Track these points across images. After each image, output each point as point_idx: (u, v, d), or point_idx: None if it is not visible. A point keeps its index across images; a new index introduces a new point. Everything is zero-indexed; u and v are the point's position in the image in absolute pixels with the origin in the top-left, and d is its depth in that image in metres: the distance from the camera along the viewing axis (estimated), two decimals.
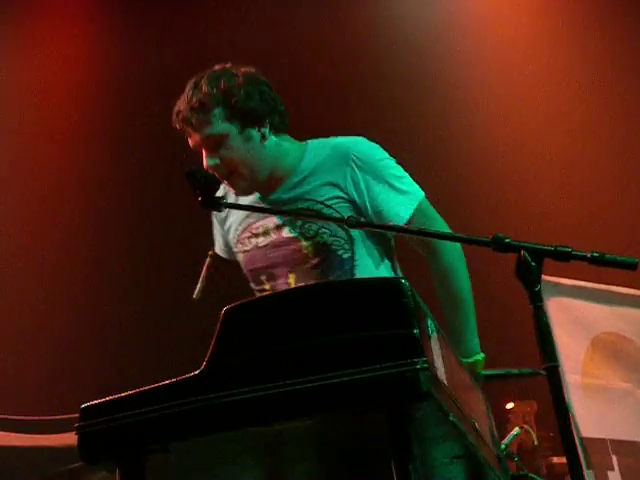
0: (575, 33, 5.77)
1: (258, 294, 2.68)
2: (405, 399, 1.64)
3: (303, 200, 2.62)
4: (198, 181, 2.21)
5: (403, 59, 5.78)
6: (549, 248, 2.00)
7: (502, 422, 4.48)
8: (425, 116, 5.71)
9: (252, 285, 2.79)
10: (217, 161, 2.56)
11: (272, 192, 2.68)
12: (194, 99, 2.56)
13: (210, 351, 1.80)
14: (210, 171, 2.54)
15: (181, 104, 2.61)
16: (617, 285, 4.25)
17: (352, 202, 2.58)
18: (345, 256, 2.55)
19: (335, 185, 2.59)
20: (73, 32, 5.90)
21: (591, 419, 4.20)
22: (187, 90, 2.61)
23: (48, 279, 5.59)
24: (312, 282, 2.54)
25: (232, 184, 2.63)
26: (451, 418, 1.73)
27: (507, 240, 2.00)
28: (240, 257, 2.74)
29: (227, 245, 2.82)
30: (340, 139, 2.68)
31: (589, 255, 2.03)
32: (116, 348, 5.44)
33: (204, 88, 2.56)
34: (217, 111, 2.56)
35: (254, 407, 1.73)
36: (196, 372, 1.80)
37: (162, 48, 5.76)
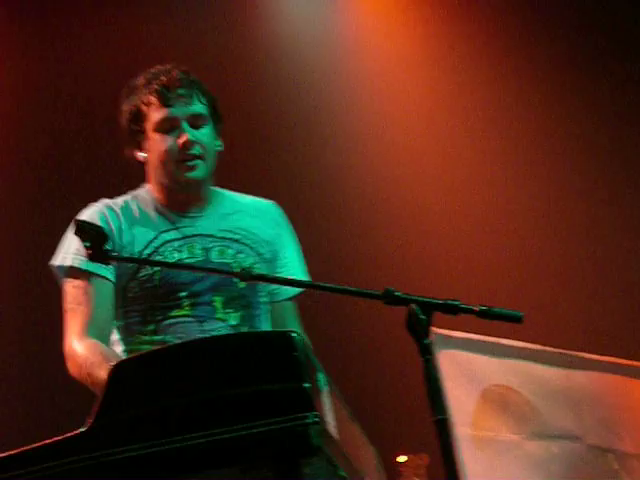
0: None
1: (165, 309, 2.50)
2: (295, 454, 1.64)
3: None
4: (88, 234, 2.17)
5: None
6: (438, 301, 2.03)
7: (394, 475, 4.48)
8: (312, 152, 5.67)
9: (152, 299, 2.54)
10: (199, 137, 2.53)
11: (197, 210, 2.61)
12: (191, 77, 2.57)
13: (98, 407, 1.76)
14: (188, 144, 2.51)
15: (173, 73, 2.56)
16: (516, 338, 4.33)
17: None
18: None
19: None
20: None
21: (480, 471, 4.24)
22: (171, 68, 2.58)
23: None
24: (237, 307, 2.50)
25: (196, 167, 2.54)
26: (341, 473, 1.73)
27: (397, 293, 2.02)
28: (149, 269, 2.51)
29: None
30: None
31: (477, 309, 2.07)
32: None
33: (193, 76, 2.58)
34: (205, 99, 2.57)
35: (142, 465, 1.70)
36: (83, 429, 1.76)
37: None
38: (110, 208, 2.54)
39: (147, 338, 2.47)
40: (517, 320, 2.08)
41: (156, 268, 2.44)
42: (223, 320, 2.46)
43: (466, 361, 4.53)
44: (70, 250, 2.49)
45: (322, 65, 5.82)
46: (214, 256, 2.51)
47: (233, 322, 2.48)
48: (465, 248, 5.74)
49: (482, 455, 4.30)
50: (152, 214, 2.56)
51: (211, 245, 2.52)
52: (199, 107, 2.55)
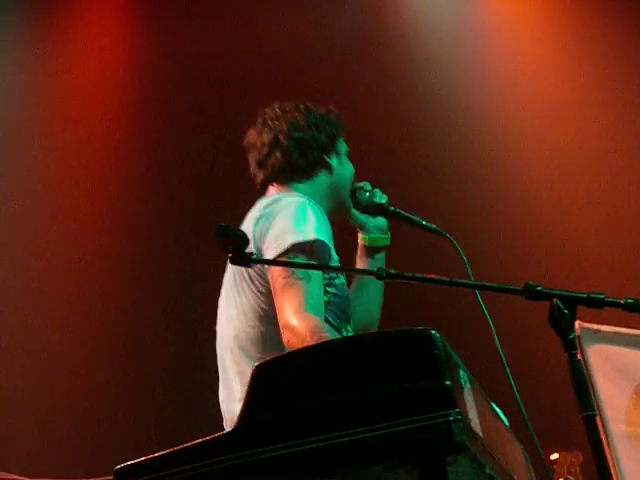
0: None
1: (344, 322, 2.57)
2: (439, 452, 1.63)
3: None
4: (229, 237, 2.21)
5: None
6: (582, 295, 1.98)
7: (546, 473, 4.39)
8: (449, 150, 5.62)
9: (340, 308, 2.59)
10: None
11: None
12: None
13: (243, 408, 1.80)
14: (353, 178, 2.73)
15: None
16: None
17: None
18: None
19: None
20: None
21: (636, 468, 4.11)
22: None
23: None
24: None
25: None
26: (487, 470, 1.71)
27: (539, 288, 1.98)
28: (342, 278, 2.61)
29: None
30: None
31: (623, 301, 2.01)
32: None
33: None
34: None
35: (286, 465, 1.72)
36: (230, 430, 1.80)
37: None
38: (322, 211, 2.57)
39: None
40: None
41: (343, 279, 2.56)
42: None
43: (617, 355, 4.40)
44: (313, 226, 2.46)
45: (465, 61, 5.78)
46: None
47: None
48: (606, 241, 5.59)
49: (638, 452, 4.17)
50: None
51: None
52: None
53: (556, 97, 5.76)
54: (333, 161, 2.68)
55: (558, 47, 5.79)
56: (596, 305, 1.99)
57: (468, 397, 1.74)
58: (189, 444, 1.83)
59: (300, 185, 2.64)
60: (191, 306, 5.23)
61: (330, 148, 2.68)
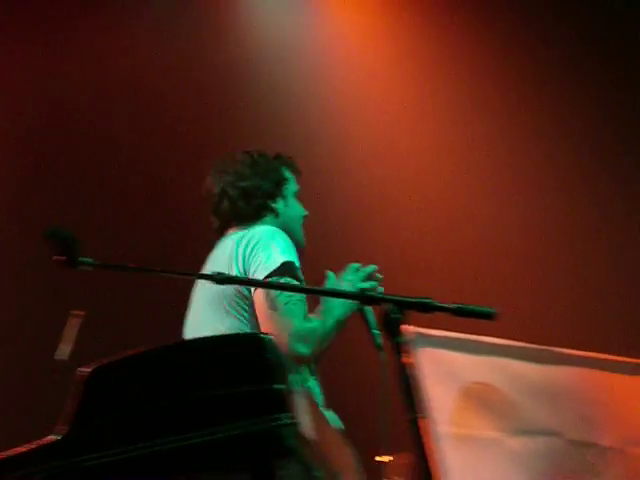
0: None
1: None
2: (270, 456, 1.64)
3: None
4: (61, 241, 2.15)
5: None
6: (411, 300, 2.04)
7: (376, 476, 4.48)
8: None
9: None
10: None
11: None
12: None
13: (72, 413, 1.76)
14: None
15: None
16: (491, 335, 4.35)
17: None
18: None
19: None
20: None
21: (461, 469, 4.25)
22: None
23: None
24: None
25: None
26: (317, 474, 1.73)
27: (371, 293, 2.03)
28: None
29: None
30: None
31: (451, 306, 2.08)
32: None
33: None
34: None
35: (119, 470, 1.70)
36: (59, 436, 1.76)
37: None
38: None
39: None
40: (490, 317, 2.10)
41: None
42: None
43: (446, 359, 4.52)
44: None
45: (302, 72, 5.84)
46: None
47: None
48: (440, 246, 5.75)
49: (463, 453, 4.31)
50: None
51: None
52: None
53: (393, 105, 5.90)
54: (279, 205, 2.87)
55: (394, 59, 5.94)
56: (425, 310, 2.06)
57: (299, 401, 1.76)
58: (14, 450, 1.78)
59: (259, 218, 2.86)
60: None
61: (275, 193, 2.87)
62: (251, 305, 2.59)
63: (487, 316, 2.09)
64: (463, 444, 4.34)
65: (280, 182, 2.88)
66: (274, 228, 2.73)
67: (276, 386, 1.65)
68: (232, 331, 2.55)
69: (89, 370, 1.79)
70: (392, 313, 1.99)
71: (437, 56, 5.83)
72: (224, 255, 2.71)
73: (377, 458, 4.70)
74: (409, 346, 4.16)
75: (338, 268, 2.71)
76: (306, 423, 1.76)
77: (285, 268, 2.56)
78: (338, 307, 2.51)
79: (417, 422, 1.90)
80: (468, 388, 4.55)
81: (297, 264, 2.61)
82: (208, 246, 2.93)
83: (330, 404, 2.68)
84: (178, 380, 1.73)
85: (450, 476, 4.16)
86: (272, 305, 2.52)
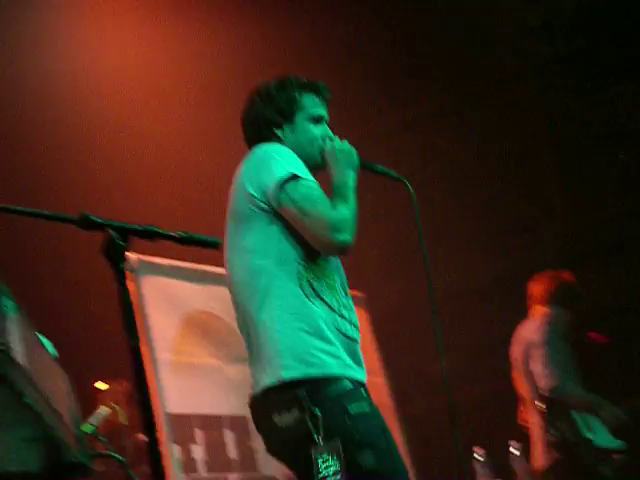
0: None
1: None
2: None
3: None
4: None
5: None
6: (136, 227, 2.00)
7: (93, 402, 4.43)
8: None
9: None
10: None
11: None
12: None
13: None
14: (327, 142, 2.87)
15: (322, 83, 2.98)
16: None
17: None
18: None
19: None
20: None
21: (179, 396, 4.30)
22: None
23: None
24: None
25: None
26: (27, 400, 1.67)
27: (93, 218, 1.97)
28: None
29: None
30: None
31: (177, 235, 2.07)
32: None
33: None
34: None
35: None
36: None
37: None
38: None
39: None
40: (214, 246, 2.11)
41: None
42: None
43: (169, 287, 4.53)
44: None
45: None
46: None
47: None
48: (166, 176, 5.79)
49: (182, 380, 4.35)
50: None
51: None
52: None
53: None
54: (285, 131, 2.88)
55: None
56: (150, 237, 2.03)
57: (12, 326, 1.69)
58: None
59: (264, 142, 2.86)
60: None
61: (278, 121, 2.88)
62: (280, 218, 2.63)
63: (212, 245, 2.09)
64: (183, 372, 4.39)
65: (283, 109, 2.89)
66: (267, 147, 2.76)
67: None
68: (255, 248, 2.62)
69: None
70: (115, 240, 1.94)
71: None
72: (236, 183, 2.74)
73: (95, 385, 4.66)
74: (132, 273, 4.14)
75: None
76: (18, 349, 1.69)
77: (288, 177, 2.62)
78: (347, 178, 2.71)
79: (136, 349, 1.88)
80: (190, 316, 4.60)
81: (300, 171, 2.67)
82: None
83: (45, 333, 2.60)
84: None
85: (168, 403, 4.20)
86: (300, 212, 2.59)
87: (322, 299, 2.58)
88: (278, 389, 2.49)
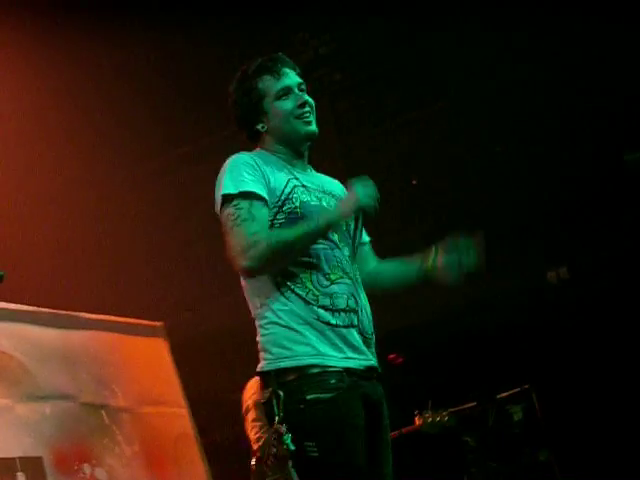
0: None
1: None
2: None
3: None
4: None
5: None
6: None
7: None
8: None
9: None
10: (307, 99, 2.96)
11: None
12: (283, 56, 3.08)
13: None
14: (306, 106, 2.93)
15: (273, 55, 3.02)
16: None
17: None
18: None
19: None
20: None
21: None
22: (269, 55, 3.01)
23: None
24: (346, 242, 2.87)
25: (312, 122, 2.95)
26: None
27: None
28: (291, 204, 2.85)
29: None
30: None
31: None
32: None
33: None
34: (298, 71, 3.08)
35: None
36: None
37: None
38: (254, 156, 2.88)
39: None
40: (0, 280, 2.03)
41: (297, 203, 2.83)
42: (341, 249, 2.83)
43: None
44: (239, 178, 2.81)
45: None
46: (325, 204, 2.93)
47: (347, 253, 2.85)
48: None
49: None
50: (278, 165, 2.93)
51: (321, 196, 2.95)
52: (299, 77, 3.02)
53: None
54: (263, 124, 2.95)
55: None
56: None
57: None
58: None
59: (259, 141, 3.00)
60: None
61: (252, 118, 2.95)
62: None
63: None
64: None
65: (251, 107, 2.96)
66: (229, 160, 2.85)
67: None
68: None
69: None
70: None
71: None
72: None
73: None
74: None
75: None
76: None
77: (225, 199, 2.74)
78: (337, 216, 2.80)
79: None
80: None
81: (243, 188, 2.77)
82: None
83: None
84: None
85: None
86: (226, 230, 2.71)
87: (296, 293, 2.69)
88: (263, 373, 2.66)
